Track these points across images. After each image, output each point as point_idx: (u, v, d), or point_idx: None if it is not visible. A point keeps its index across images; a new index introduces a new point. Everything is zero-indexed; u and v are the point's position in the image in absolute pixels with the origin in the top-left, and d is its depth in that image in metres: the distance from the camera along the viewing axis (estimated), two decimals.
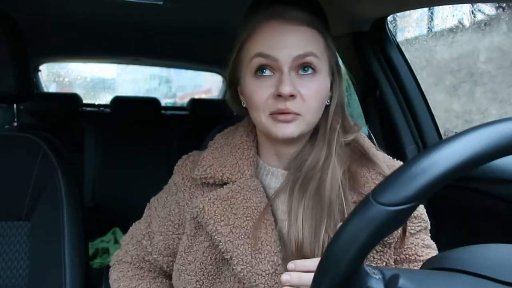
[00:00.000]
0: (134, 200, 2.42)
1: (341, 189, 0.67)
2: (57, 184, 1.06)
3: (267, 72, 0.66)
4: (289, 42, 0.65)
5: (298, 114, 0.66)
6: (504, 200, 1.04)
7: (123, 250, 0.86)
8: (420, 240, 0.72)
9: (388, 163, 0.74)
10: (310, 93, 0.66)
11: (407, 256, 0.71)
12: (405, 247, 0.72)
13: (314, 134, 0.73)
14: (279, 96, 0.64)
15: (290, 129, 0.66)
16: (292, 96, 0.64)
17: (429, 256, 0.68)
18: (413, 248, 0.72)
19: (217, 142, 0.78)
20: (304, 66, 0.66)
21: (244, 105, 0.73)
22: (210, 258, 0.71)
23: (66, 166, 1.09)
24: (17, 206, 1.05)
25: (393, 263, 0.71)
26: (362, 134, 0.77)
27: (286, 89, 0.63)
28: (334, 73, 0.69)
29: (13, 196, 1.05)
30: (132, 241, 0.84)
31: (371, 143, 0.77)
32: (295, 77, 0.66)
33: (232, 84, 0.75)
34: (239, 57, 0.71)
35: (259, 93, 0.67)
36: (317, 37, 0.67)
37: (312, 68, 0.66)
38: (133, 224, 0.87)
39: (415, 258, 0.71)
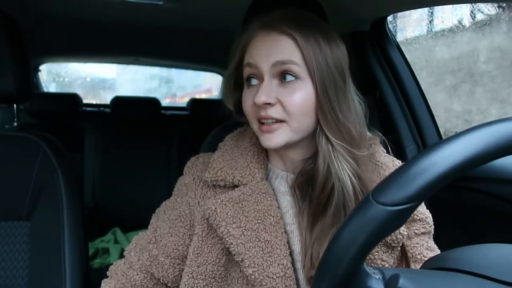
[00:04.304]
0: (134, 200, 2.45)
1: (350, 195, 0.66)
2: (57, 184, 1.06)
3: (254, 81, 0.68)
4: (269, 51, 0.66)
5: (282, 121, 0.66)
6: (504, 200, 1.04)
7: (124, 260, 0.81)
8: (424, 242, 0.73)
9: (396, 167, 0.74)
10: (291, 101, 0.66)
11: (414, 255, 0.72)
12: (411, 245, 0.72)
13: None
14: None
15: (274, 140, 0.67)
16: (269, 104, 0.65)
17: None
18: (419, 248, 0.73)
19: (227, 144, 0.78)
20: (285, 74, 0.66)
21: None
22: (224, 260, 0.71)
23: (66, 166, 1.09)
24: (17, 206, 1.05)
25: (398, 262, 0.71)
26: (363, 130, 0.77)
27: (258, 99, 0.65)
28: (324, 79, 0.66)
29: (13, 196, 1.05)
30: (136, 248, 0.80)
31: (382, 148, 0.77)
32: (276, 85, 0.66)
33: (238, 89, 0.75)
34: (241, 66, 0.71)
35: (246, 101, 0.69)
36: (298, 46, 0.66)
37: (294, 76, 0.66)
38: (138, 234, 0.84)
39: (421, 258, 0.72)
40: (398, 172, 0.36)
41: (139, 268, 0.77)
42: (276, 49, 0.66)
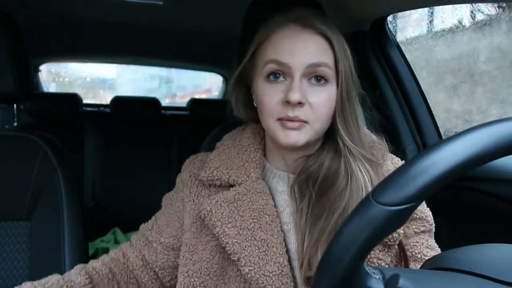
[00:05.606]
0: (134, 200, 2.45)
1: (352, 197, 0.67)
2: (57, 184, 1.06)
3: (279, 78, 0.67)
4: (303, 50, 0.65)
5: (306, 122, 0.66)
6: (504, 200, 1.04)
7: (128, 242, 0.87)
8: (424, 240, 0.73)
9: (396, 165, 0.74)
10: (319, 102, 0.66)
11: (413, 253, 0.72)
12: (411, 244, 0.72)
13: (326, 141, 0.73)
14: (287, 102, 0.64)
15: (296, 137, 0.66)
16: (300, 103, 0.64)
17: None
18: (419, 247, 0.72)
19: (225, 144, 0.79)
20: (316, 76, 0.66)
21: (255, 105, 0.73)
22: (218, 257, 0.72)
23: (66, 166, 1.09)
24: (17, 206, 1.05)
25: (396, 262, 0.71)
26: (371, 135, 0.77)
27: (294, 97, 0.63)
28: (348, 83, 0.68)
29: (13, 196, 1.05)
30: (138, 233, 0.85)
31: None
32: (306, 84, 0.66)
33: (242, 83, 0.75)
34: (254, 58, 0.71)
35: (269, 98, 0.67)
36: (331, 48, 0.67)
37: (324, 79, 0.66)
38: None
39: (421, 257, 0.71)
40: (398, 172, 0.36)
41: (135, 247, 0.83)
42: (310, 50, 0.65)
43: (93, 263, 0.83)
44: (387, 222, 0.35)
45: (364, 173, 0.67)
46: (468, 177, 1.10)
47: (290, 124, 0.65)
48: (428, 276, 0.41)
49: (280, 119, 0.66)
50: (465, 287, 0.38)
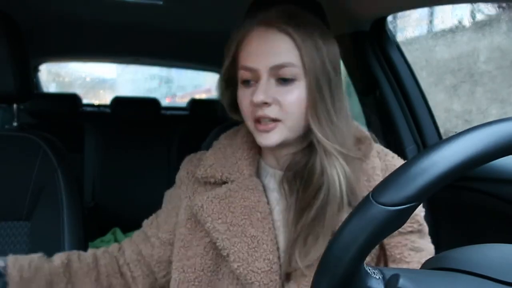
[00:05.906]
0: (134, 200, 2.45)
1: (335, 196, 0.66)
2: (57, 184, 1.06)
3: (251, 81, 0.68)
4: (266, 52, 0.66)
5: (278, 120, 0.67)
6: (504, 200, 1.04)
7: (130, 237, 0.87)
8: (409, 242, 0.70)
9: (388, 162, 0.74)
10: (288, 100, 0.66)
11: (392, 254, 0.70)
12: (391, 244, 0.70)
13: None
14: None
15: (271, 138, 0.67)
16: (266, 104, 0.66)
17: (418, 261, 0.67)
18: (400, 248, 0.69)
19: (221, 143, 0.80)
20: (283, 75, 0.66)
21: None
22: (212, 253, 0.73)
23: (66, 166, 1.09)
24: (17, 206, 1.05)
25: (377, 261, 0.71)
26: (361, 131, 0.77)
27: (257, 98, 0.65)
28: (318, 79, 0.67)
29: (13, 196, 1.05)
30: (139, 230, 0.86)
31: (379, 147, 0.77)
32: (274, 84, 0.67)
33: (231, 84, 0.75)
34: (234, 62, 0.72)
35: (243, 101, 0.69)
36: (297, 46, 0.66)
37: (291, 77, 0.66)
38: None
39: (400, 258, 0.69)
40: (398, 172, 0.36)
41: (134, 242, 0.84)
42: (273, 51, 0.66)
43: (88, 251, 0.84)
44: (387, 222, 0.35)
45: (338, 168, 0.67)
46: (468, 177, 1.10)
47: (261, 127, 0.67)
48: (428, 276, 0.41)
49: (254, 121, 0.68)
50: (465, 287, 0.38)
